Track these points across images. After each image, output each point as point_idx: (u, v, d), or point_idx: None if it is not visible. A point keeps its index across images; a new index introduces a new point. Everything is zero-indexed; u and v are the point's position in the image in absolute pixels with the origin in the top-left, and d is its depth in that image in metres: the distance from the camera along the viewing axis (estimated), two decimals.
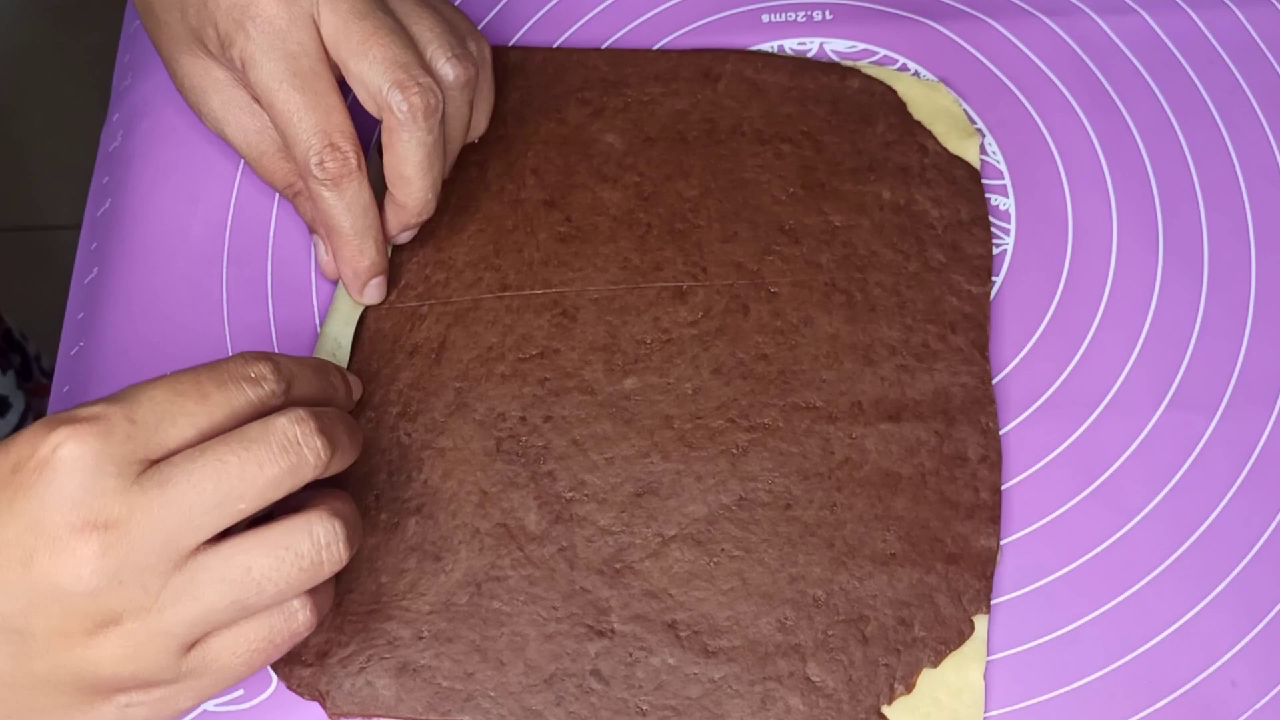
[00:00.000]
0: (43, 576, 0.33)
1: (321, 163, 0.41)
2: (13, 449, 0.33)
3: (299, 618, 0.36)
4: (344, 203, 0.42)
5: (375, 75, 0.41)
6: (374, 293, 0.45)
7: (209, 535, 0.34)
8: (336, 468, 0.37)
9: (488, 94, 0.47)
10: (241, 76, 0.43)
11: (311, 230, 0.46)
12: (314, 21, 0.42)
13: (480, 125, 0.47)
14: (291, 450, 0.35)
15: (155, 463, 0.34)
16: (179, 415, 0.34)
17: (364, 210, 0.43)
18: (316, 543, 0.35)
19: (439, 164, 0.43)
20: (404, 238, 0.46)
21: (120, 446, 0.33)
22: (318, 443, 0.35)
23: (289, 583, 0.35)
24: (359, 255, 0.44)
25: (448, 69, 0.43)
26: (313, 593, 0.36)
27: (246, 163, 0.46)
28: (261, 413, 0.36)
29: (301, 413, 0.35)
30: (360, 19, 0.41)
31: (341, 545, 0.36)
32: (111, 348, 0.46)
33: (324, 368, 0.40)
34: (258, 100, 0.43)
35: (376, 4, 0.42)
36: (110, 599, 0.33)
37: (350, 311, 0.46)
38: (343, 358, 0.45)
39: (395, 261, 0.47)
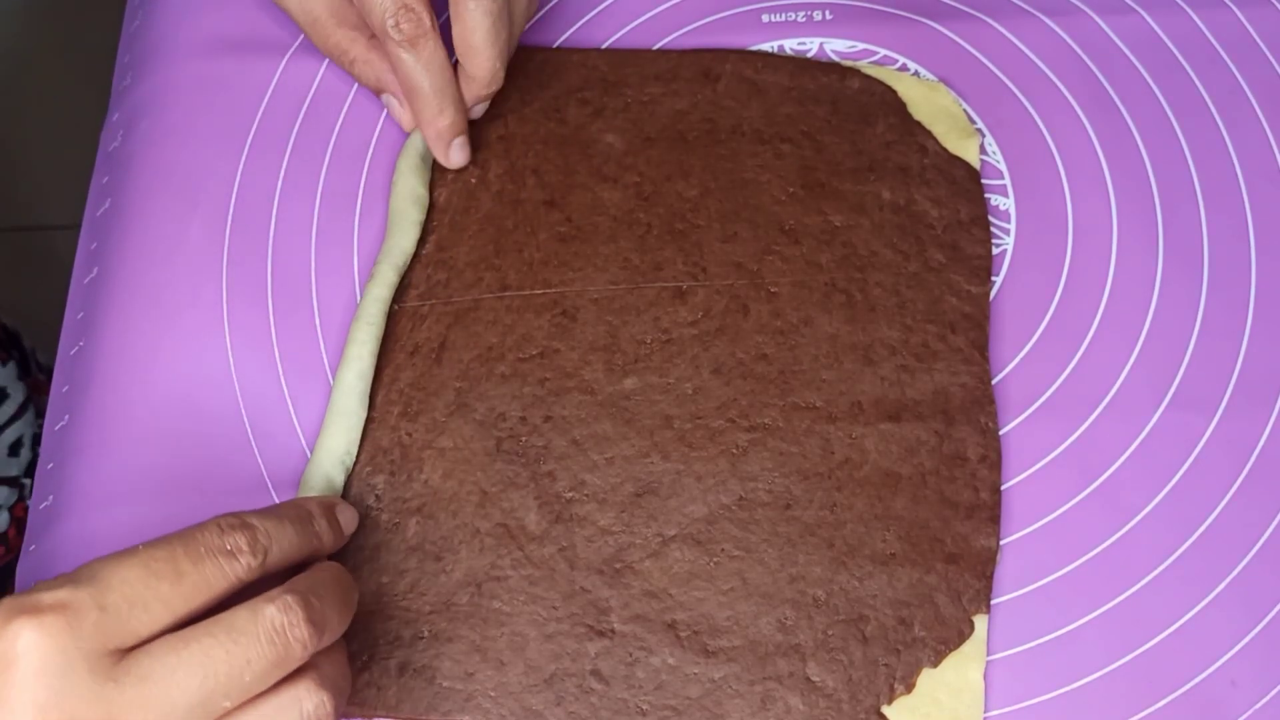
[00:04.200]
0: None
1: (397, 24, 0.43)
2: None
3: None
4: (421, 62, 0.44)
5: None
6: (459, 154, 0.47)
7: None
8: (324, 644, 0.35)
9: None
10: None
11: (376, 93, 0.48)
12: None
13: (535, 3, 0.48)
14: (279, 642, 0.33)
15: (128, 651, 0.31)
16: (152, 600, 0.32)
17: (440, 69, 0.44)
18: (305, 718, 0.34)
19: (505, 33, 0.45)
20: (476, 111, 0.47)
21: (90, 639, 0.30)
22: (304, 632, 0.33)
23: None
24: (439, 115, 0.45)
25: None
26: None
27: (301, 29, 0.47)
28: (238, 587, 0.34)
29: (290, 600, 0.33)
30: None
31: (328, 718, 0.34)
32: (111, 348, 0.46)
33: (305, 517, 0.38)
34: None
35: None
36: None
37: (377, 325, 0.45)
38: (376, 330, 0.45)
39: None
